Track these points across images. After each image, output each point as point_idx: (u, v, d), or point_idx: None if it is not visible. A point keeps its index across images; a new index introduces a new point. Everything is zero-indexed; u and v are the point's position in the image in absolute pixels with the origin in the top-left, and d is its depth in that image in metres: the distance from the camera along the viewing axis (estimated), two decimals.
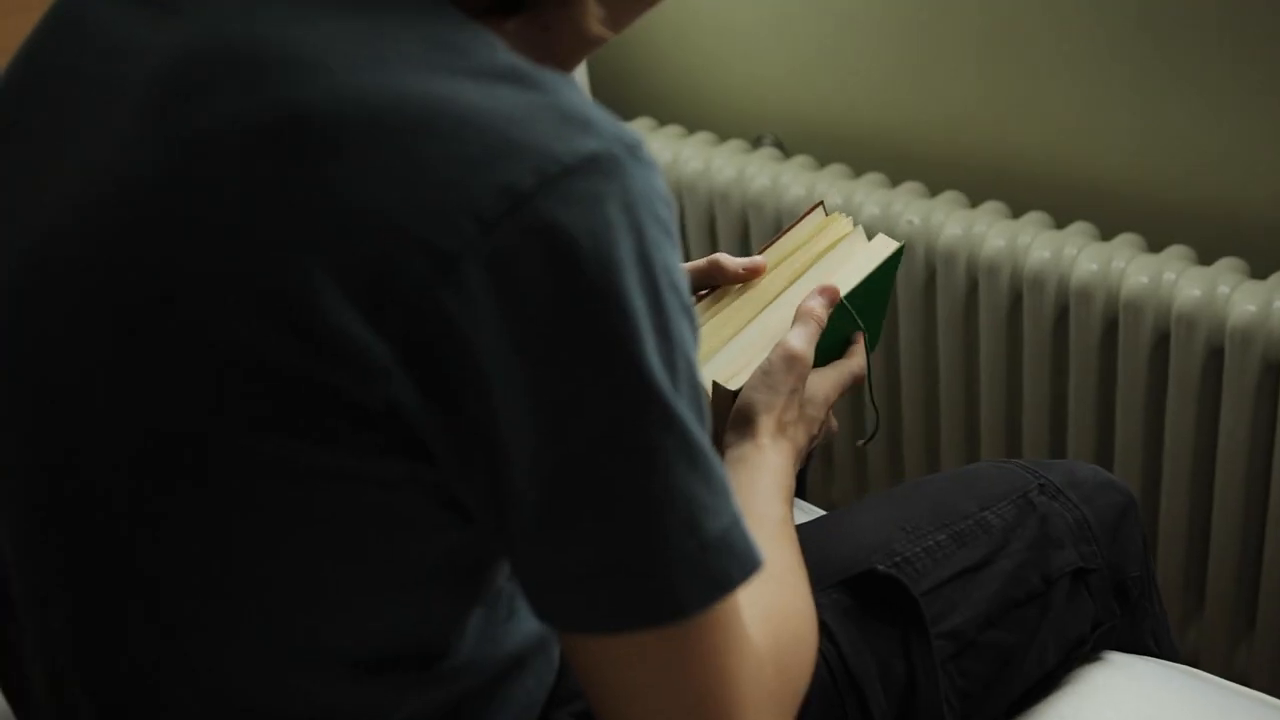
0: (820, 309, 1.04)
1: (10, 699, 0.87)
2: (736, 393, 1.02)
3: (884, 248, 1.14)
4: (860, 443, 1.23)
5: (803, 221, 1.16)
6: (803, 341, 1.02)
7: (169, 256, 0.68)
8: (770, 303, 1.12)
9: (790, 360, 1.01)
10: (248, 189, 0.67)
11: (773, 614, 0.81)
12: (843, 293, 1.09)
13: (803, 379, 1.01)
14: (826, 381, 1.06)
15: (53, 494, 0.75)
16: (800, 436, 1.01)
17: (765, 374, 1.01)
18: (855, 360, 1.10)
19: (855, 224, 1.16)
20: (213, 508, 0.70)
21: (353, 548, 0.71)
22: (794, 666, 0.82)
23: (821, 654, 0.97)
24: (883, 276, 1.14)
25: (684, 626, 0.71)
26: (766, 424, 0.99)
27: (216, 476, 0.69)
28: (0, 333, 0.76)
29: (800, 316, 1.04)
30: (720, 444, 1.00)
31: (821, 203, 1.20)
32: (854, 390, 1.10)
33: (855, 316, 1.10)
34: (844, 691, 0.98)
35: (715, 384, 1.04)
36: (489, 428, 0.67)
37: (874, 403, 1.17)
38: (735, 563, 0.71)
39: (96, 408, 0.72)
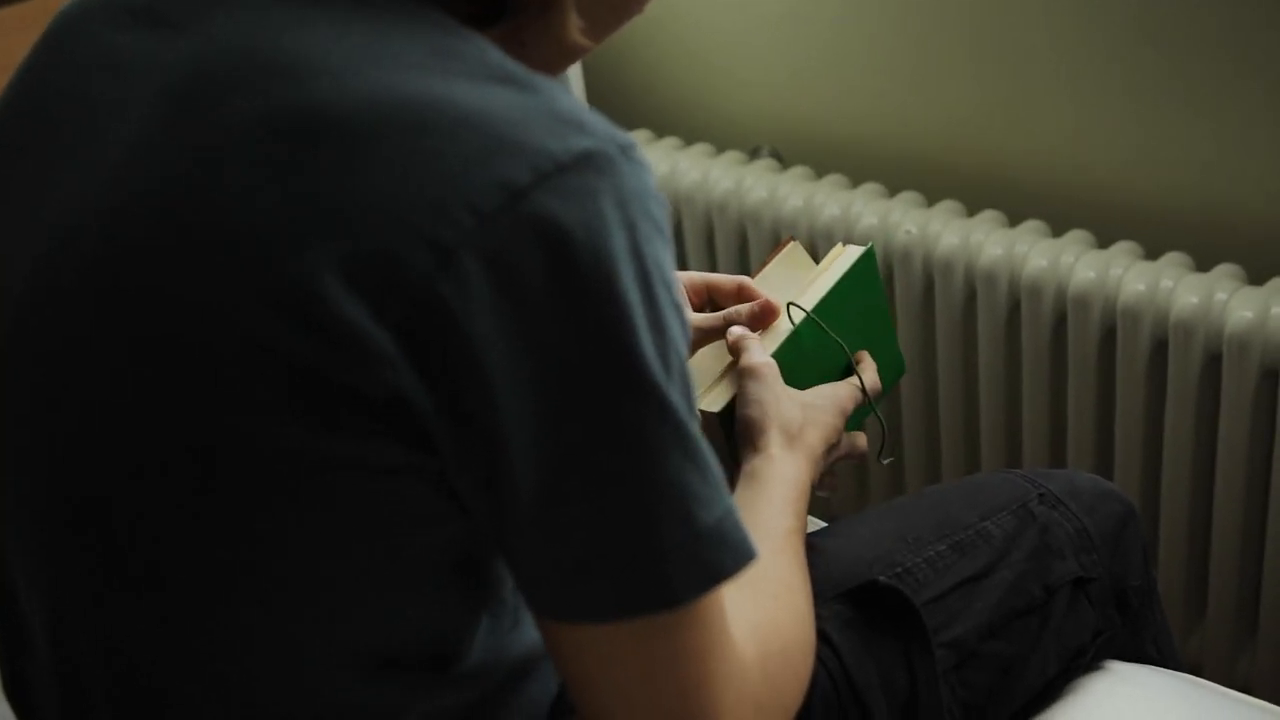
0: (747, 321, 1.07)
1: (16, 704, 0.87)
2: (717, 414, 1.03)
3: (849, 255, 1.14)
4: (885, 461, 1.23)
5: (781, 255, 1.17)
6: (756, 355, 1.05)
7: (178, 258, 0.70)
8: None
9: (755, 373, 1.03)
10: (253, 188, 0.68)
11: (762, 626, 0.82)
12: (809, 307, 1.10)
13: (778, 382, 1.03)
14: (840, 390, 1.07)
15: (64, 499, 0.76)
16: (815, 442, 1.02)
17: (744, 395, 1.03)
18: (867, 376, 1.11)
19: (844, 244, 1.17)
20: (223, 504, 0.71)
21: (358, 542, 0.72)
22: (783, 679, 0.82)
23: (824, 665, 0.98)
24: (859, 286, 1.14)
25: (674, 618, 0.72)
26: (772, 435, 1.00)
27: (226, 472, 0.70)
28: (10, 344, 0.77)
29: (739, 341, 1.07)
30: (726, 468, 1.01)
31: (793, 238, 1.21)
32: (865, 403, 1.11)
33: (824, 327, 1.10)
34: (846, 703, 0.98)
35: (700, 410, 1.05)
36: (487, 417, 0.68)
37: (880, 417, 1.18)
38: (728, 553, 0.72)
39: (107, 408, 0.73)
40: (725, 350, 1.11)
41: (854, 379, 1.11)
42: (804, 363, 1.07)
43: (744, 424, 1.02)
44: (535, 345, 0.67)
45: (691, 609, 0.73)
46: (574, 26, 0.77)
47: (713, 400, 1.06)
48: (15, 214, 0.79)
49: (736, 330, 1.08)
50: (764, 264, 1.18)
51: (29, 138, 0.80)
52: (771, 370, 1.04)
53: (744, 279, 1.15)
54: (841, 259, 1.15)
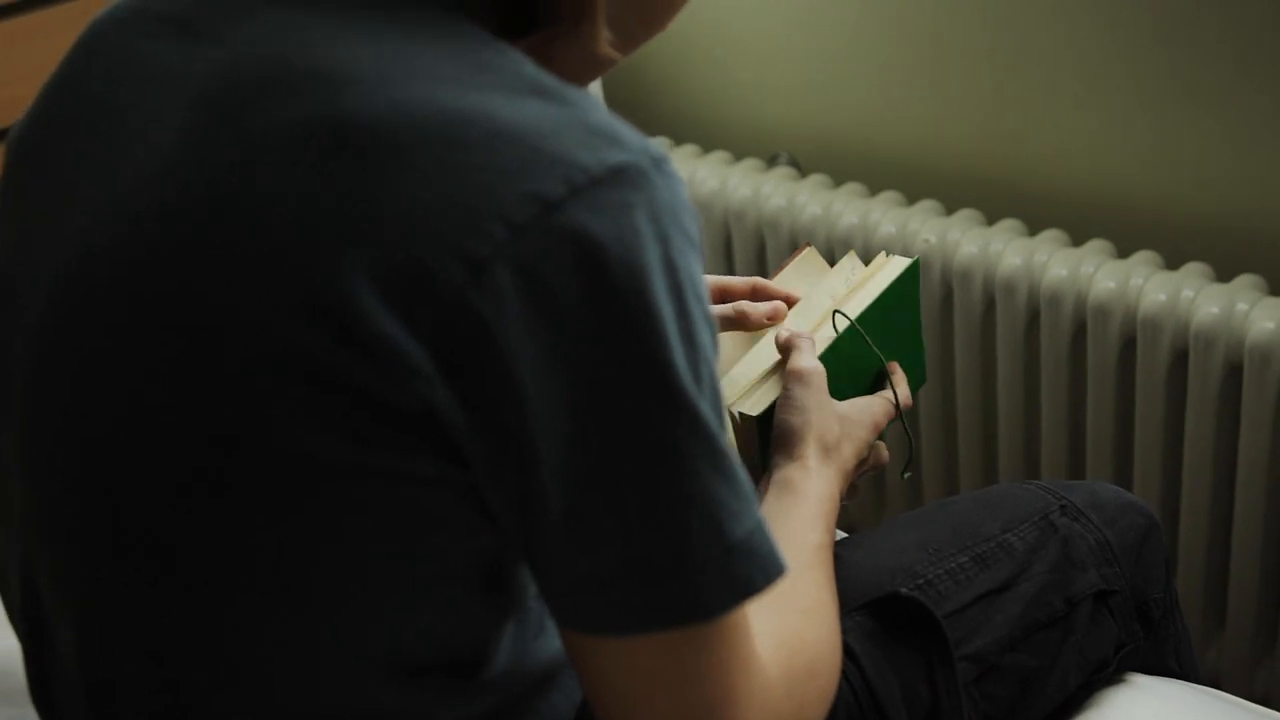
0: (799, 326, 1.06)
1: (40, 706, 0.87)
2: (757, 418, 1.02)
3: (895, 266, 1.14)
4: (905, 476, 1.23)
5: (799, 258, 1.17)
6: (807, 359, 1.04)
7: (210, 267, 0.70)
8: (759, 334, 1.13)
9: (803, 378, 1.02)
10: (285, 197, 0.68)
11: (788, 641, 0.81)
12: (853, 316, 1.09)
13: (824, 392, 1.02)
14: (875, 405, 1.07)
15: (93, 502, 0.76)
16: (848, 457, 1.02)
17: (788, 399, 1.02)
18: (901, 389, 1.11)
19: (888, 255, 1.16)
20: (255, 511, 0.71)
21: (386, 550, 0.72)
22: (807, 696, 0.82)
23: (845, 676, 0.98)
24: (900, 297, 1.14)
25: (700, 632, 0.72)
26: (809, 445, 1.00)
27: (258, 480, 0.70)
28: (42, 348, 0.77)
29: (792, 341, 1.06)
30: (754, 471, 1.00)
31: (809, 244, 1.21)
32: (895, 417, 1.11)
33: (867, 339, 1.10)
34: (868, 713, 0.98)
35: (739, 413, 1.04)
36: (519, 430, 0.68)
37: (908, 431, 1.17)
38: (758, 567, 0.72)
39: (138, 413, 0.73)
40: (739, 342, 1.11)
41: (887, 392, 1.10)
42: (840, 370, 1.07)
43: (783, 429, 1.01)
44: (567, 357, 0.67)
45: (718, 623, 0.72)
46: (604, 39, 0.77)
47: (755, 403, 1.05)
48: (48, 220, 0.79)
49: (787, 331, 1.07)
50: (780, 268, 1.18)
51: (62, 145, 0.80)
52: (820, 377, 1.03)
53: (758, 280, 1.15)
54: (887, 269, 1.14)
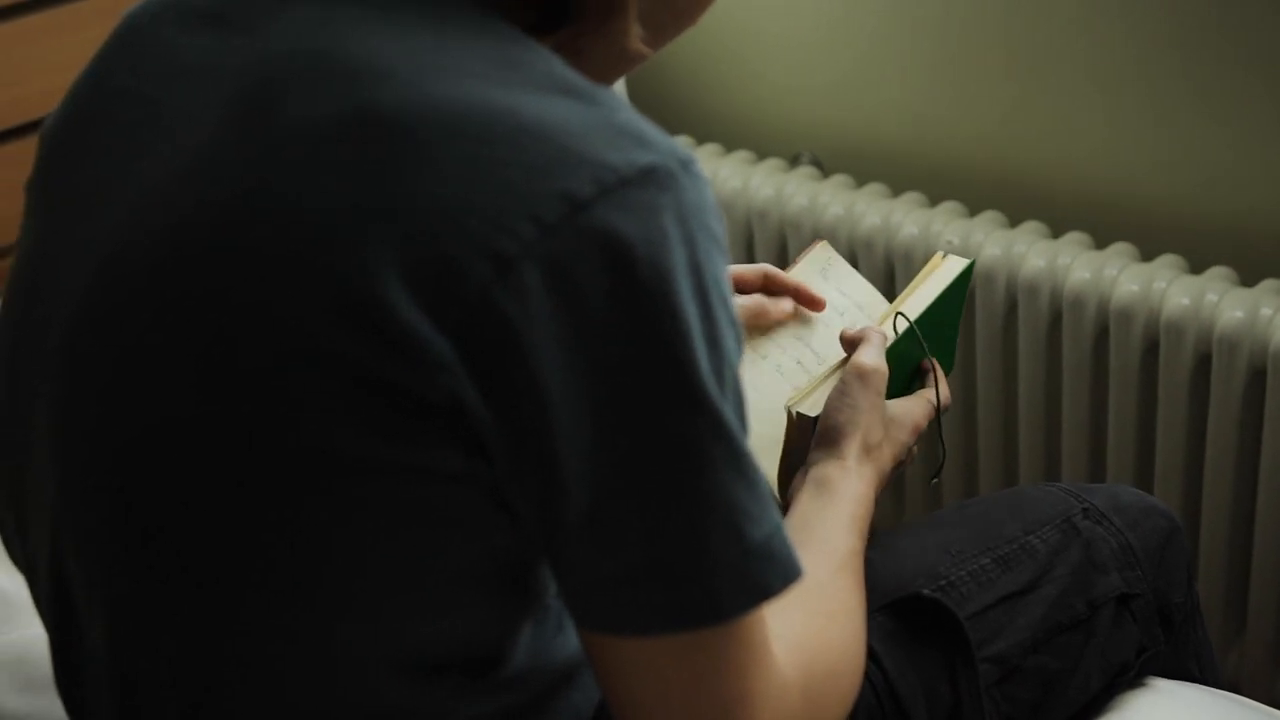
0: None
1: (65, 695, 0.88)
2: (815, 419, 1.02)
3: (952, 266, 1.14)
4: (932, 480, 1.23)
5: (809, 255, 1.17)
6: (873, 357, 1.03)
7: (243, 262, 0.70)
8: (803, 329, 1.13)
9: (865, 377, 1.01)
10: (315, 192, 0.69)
11: (808, 645, 0.81)
12: (913, 317, 1.09)
13: (881, 394, 1.02)
14: (917, 408, 1.06)
15: (124, 498, 0.76)
16: (887, 460, 1.02)
17: (842, 394, 1.01)
18: (942, 389, 1.10)
19: (944, 255, 1.16)
20: (276, 508, 0.72)
21: (406, 545, 0.72)
22: (826, 700, 0.82)
23: (867, 677, 0.97)
24: (953, 297, 1.14)
25: (717, 633, 0.72)
26: (853, 445, 0.99)
27: (282, 477, 0.71)
28: (76, 342, 0.77)
29: (865, 335, 1.04)
30: (798, 469, 1.00)
31: (822, 239, 1.21)
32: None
33: (922, 341, 1.10)
34: (890, 714, 0.98)
35: (798, 413, 1.04)
36: (542, 427, 0.68)
37: (943, 443, 1.17)
38: (775, 570, 0.73)
39: (169, 409, 0.73)
40: (770, 343, 1.11)
41: (929, 392, 1.09)
42: (892, 370, 1.06)
43: (831, 424, 1.00)
44: (592, 357, 0.67)
45: (735, 625, 0.73)
46: (635, 35, 0.77)
47: (814, 404, 1.04)
48: (75, 217, 0.79)
49: (856, 328, 1.06)
50: (794, 263, 1.19)
51: (96, 140, 0.80)
52: (882, 379, 1.02)
53: (768, 267, 1.16)
54: (943, 271, 1.14)
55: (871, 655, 0.98)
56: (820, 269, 1.18)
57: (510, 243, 0.66)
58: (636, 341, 0.67)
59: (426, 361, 0.67)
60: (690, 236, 0.69)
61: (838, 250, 1.65)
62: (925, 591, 1.02)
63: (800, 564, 0.74)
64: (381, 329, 0.67)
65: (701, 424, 0.69)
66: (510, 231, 0.66)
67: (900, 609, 1.02)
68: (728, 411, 0.70)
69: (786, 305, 1.14)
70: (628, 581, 0.71)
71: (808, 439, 1.03)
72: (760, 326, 1.15)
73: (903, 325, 1.09)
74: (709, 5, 0.84)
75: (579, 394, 0.67)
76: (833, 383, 1.04)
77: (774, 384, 1.12)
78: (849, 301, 1.18)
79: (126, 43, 0.82)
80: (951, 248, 1.68)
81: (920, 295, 1.12)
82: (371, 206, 0.68)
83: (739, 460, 0.71)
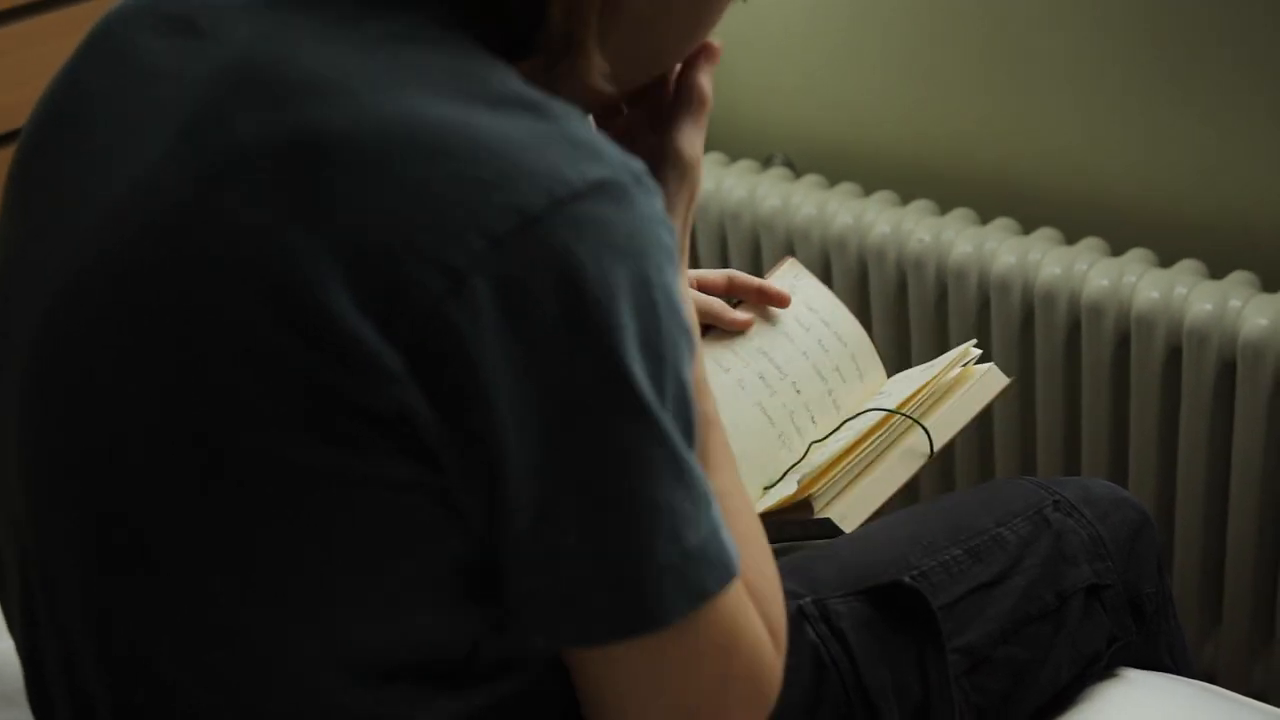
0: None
1: (35, 711, 0.88)
2: (823, 520, 1.04)
3: (990, 385, 1.13)
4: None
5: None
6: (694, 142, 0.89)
7: (195, 273, 0.71)
8: (766, 342, 1.14)
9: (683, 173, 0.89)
10: (268, 204, 0.69)
11: (757, 588, 0.81)
12: (939, 438, 1.09)
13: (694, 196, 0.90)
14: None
15: (89, 507, 0.76)
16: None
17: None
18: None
19: (975, 362, 1.15)
20: (236, 515, 0.72)
21: (364, 552, 0.72)
22: (778, 623, 0.82)
23: (836, 666, 0.99)
24: None
25: (667, 635, 0.73)
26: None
27: (240, 483, 0.71)
28: (45, 350, 0.77)
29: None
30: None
31: (790, 256, 1.22)
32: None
33: (932, 446, 1.09)
34: (856, 705, 0.99)
35: (822, 518, 1.04)
36: (490, 439, 0.69)
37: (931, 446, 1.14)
38: (712, 572, 0.74)
39: (130, 426, 0.73)
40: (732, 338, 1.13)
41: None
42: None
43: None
44: (538, 370, 0.68)
45: (685, 622, 0.73)
46: (596, 70, 0.77)
47: (842, 513, 1.05)
48: (53, 219, 0.79)
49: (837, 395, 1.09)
50: (764, 279, 1.20)
51: (67, 143, 0.80)
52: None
53: (732, 271, 1.17)
54: (979, 389, 1.13)
55: (843, 643, 0.99)
56: (789, 285, 1.19)
57: (461, 256, 0.66)
58: (579, 354, 0.68)
59: (375, 372, 0.67)
60: (640, 250, 0.69)
61: (810, 249, 1.66)
62: (907, 580, 1.03)
63: (736, 562, 0.75)
64: (331, 340, 0.67)
65: (640, 432, 0.70)
66: (461, 244, 0.67)
67: (873, 597, 1.02)
68: (666, 420, 0.71)
69: (742, 317, 1.16)
70: (573, 592, 0.72)
71: (801, 517, 1.04)
72: (722, 339, 1.15)
73: (929, 439, 1.08)
74: (680, 58, 0.85)
75: (525, 405, 0.68)
76: (861, 487, 1.06)
77: (735, 398, 1.13)
78: (816, 317, 1.19)
79: (97, 46, 0.82)
80: (923, 245, 1.68)
81: (951, 414, 1.11)
82: (321, 221, 0.68)
83: (679, 467, 0.72)
